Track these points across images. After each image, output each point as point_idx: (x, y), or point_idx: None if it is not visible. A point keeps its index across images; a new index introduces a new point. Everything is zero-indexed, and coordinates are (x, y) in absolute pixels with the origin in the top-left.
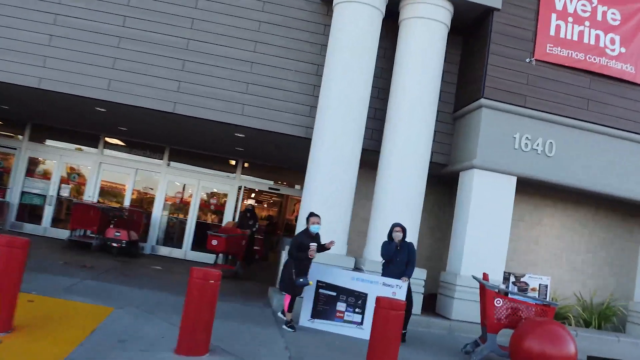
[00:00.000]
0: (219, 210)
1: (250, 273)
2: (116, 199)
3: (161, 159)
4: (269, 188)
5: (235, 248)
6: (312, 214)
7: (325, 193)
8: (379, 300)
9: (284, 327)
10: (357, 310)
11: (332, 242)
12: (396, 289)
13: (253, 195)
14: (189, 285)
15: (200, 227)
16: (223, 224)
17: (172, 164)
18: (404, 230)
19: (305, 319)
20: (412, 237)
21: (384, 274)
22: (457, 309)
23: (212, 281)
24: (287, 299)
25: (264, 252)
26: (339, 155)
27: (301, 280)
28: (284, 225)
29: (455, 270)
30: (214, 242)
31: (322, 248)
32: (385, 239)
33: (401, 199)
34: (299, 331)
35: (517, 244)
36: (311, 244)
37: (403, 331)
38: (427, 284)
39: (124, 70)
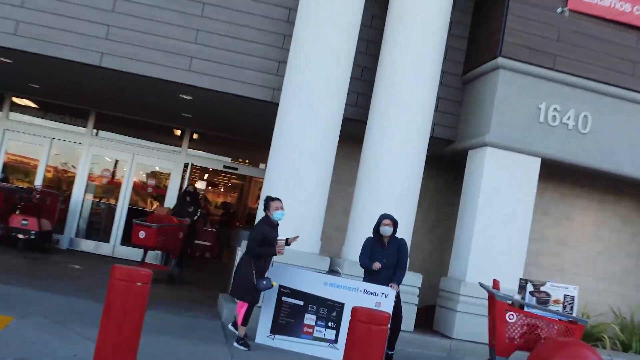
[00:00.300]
0: (160, 195)
1: (196, 276)
2: (26, 178)
3: (85, 127)
4: (225, 167)
5: (169, 242)
6: (271, 198)
7: (293, 173)
8: (355, 311)
9: (236, 344)
10: (330, 324)
11: (296, 237)
12: (381, 299)
13: (206, 176)
14: (108, 288)
15: (135, 215)
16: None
17: (100, 133)
18: (394, 223)
19: (263, 334)
20: (404, 233)
21: (366, 279)
22: (460, 325)
23: (140, 283)
24: (241, 308)
25: (218, 250)
26: (313, 125)
27: (264, 282)
28: (245, 216)
29: (460, 275)
30: (141, 234)
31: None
32: (371, 234)
33: (392, 185)
34: (254, 350)
35: (539, 244)
36: (279, 238)
37: (389, 352)
38: (422, 293)
39: (35, 10)
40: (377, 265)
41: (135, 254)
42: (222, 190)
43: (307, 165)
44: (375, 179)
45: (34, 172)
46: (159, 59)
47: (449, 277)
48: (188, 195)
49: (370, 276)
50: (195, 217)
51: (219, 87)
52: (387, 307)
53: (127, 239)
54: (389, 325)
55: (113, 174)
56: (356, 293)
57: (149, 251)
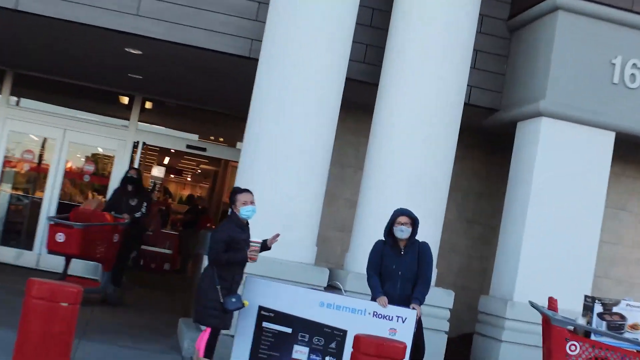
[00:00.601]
0: (102, 185)
1: (150, 295)
2: None
3: None
4: (189, 147)
5: (99, 248)
6: (239, 190)
7: (278, 156)
8: (359, 342)
9: None
10: (328, 359)
11: (275, 237)
12: (397, 324)
13: (167, 160)
14: (23, 311)
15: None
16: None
17: (20, 102)
18: (413, 222)
19: None
20: (429, 235)
21: (399, 297)
22: (507, 359)
23: (66, 304)
24: (204, 335)
25: (181, 260)
26: (305, 87)
27: (233, 300)
28: (219, 213)
29: (505, 293)
30: (59, 237)
31: (263, 247)
32: (382, 237)
33: (410, 169)
34: None
35: (612, 249)
36: (252, 240)
37: None
38: (456, 317)
39: None
40: (384, 302)
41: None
42: (188, 179)
43: (297, 144)
44: (388, 162)
45: None
46: (96, 0)
47: (491, 296)
48: (128, 183)
49: (386, 293)
50: (139, 214)
51: (178, 38)
52: (405, 335)
53: None
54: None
55: (40, 158)
56: (363, 317)
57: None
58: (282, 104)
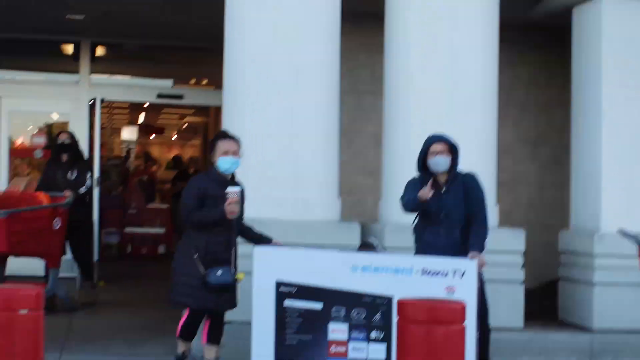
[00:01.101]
0: None
1: (140, 289)
2: None
3: None
4: (161, 96)
5: (32, 241)
6: (220, 135)
7: (270, 86)
8: (404, 307)
9: None
10: (374, 334)
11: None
12: (455, 279)
13: (142, 118)
14: None
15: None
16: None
17: None
18: (451, 149)
19: None
20: (481, 165)
21: (420, 251)
22: (603, 307)
23: (25, 311)
24: (184, 317)
25: (178, 238)
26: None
27: (219, 273)
28: None
29: (590, 224)
30: None
31: (259, 238)
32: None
33: (444, 85)
34: None
35: None
36: (228, 190)
37: None
38: (533, 262)
39: None
40: (426, 193)
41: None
42: (173, 138)
43: (295, 71)
44: (412, 81)
45: None
46: None
47: (573, 230)
48: (62, 152)
49: (428, 244)
50: (84, 189)
51: None
52: (467, 292)
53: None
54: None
55: None
56: (410, 277)
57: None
58: (263, 25)
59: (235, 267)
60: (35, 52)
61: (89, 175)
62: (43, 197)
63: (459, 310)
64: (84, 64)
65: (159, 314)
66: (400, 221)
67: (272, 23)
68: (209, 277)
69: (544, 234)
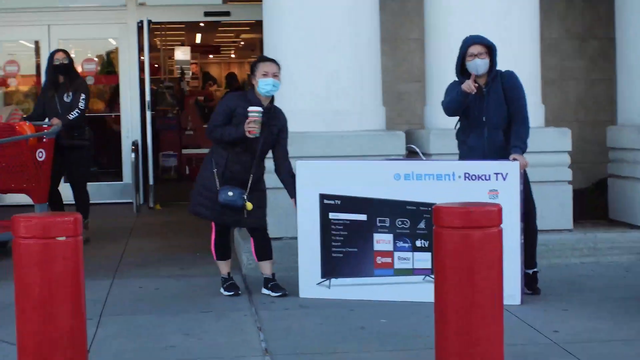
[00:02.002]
0: (112, 86)
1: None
2: None
3: None
4: (208, 14)
5: (12, 175)
6: (261, 58)
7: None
8: (439, 213)
9: (222, 290)
10: (419, 243)
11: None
12: (497, 182)
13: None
14: (14, 256)
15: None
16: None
17: None
18: (489, 49)
19: (310, 282)
20: (523, 63)
21: (464, 155)
22: None
23: (63, 237)
24: (212, 235)
25: None
26: None
27: (229, 194)
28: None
29: (637, 118)
30: None
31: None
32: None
33: None
34: (296, 308)
35: None
36: (250, 109)
37: (529, 270)
38: (584, 161)
39: None
40: (469, 85)
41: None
42: (232, 56)
43: None
44: None
45: None
46: None
47: (620, 125)
48: (58, 73)
49: (471, 148)
50: (74, 114)
51: None
52: (511, 195)
53: None
54: (511, 226)
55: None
56: (453, 182)
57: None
58: None
59: (253, 192)
60: None
61: (83, 97)
62: (25, 127)
63: (496, 213)
64: None
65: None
66: (445, 126)
67: None
68: (220, 194)
69: (595, 132)
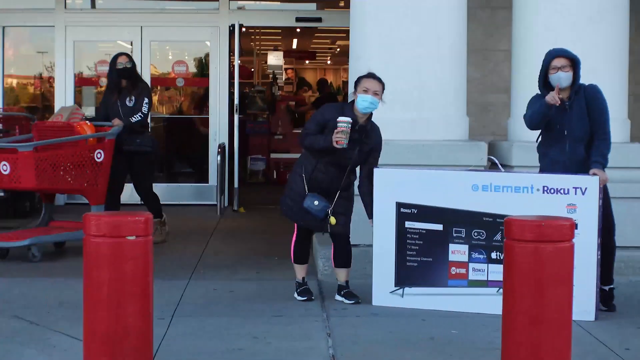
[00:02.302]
0: (203, 88)
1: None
2: None
3: None
4: (299, 19)
5: (69, 175)
6: (364, 75)
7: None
8: (510, 226)
9: (295, 295)
10: (495, 255)
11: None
12: (576, 197)
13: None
14: (84, 253)
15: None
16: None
17: (75, 2)
18: (574, 63)
19: (383, 289)
20: (609, 77)
21: (544, 169)
22: None
23: (133, 237)
24: (293, 237)
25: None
26: None
27: (315, 203)
28: None
29: None
30: (3, 169)
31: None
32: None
33: None
34: (369, 316)
35: None
36: (340, 119)
37: (605, 287)
38: None
39: None
40: (553, 97)
41: (177, 193)
42: (328, 62)
43: None
44: None
45: None
46: None
47: None
48: (121, 77)
49: (553, 161)
50: (137, 117)
51: None
52: (589, 210)
53: (160, 172)
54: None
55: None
56: (531, 195)
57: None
58: None
59: (339, 199)
60: None
61: (145, 101)
62: (85, 127)
63: (568, 227)
64: None
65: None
66: (528, 139)
67: None
68: (306, 200)
69: None
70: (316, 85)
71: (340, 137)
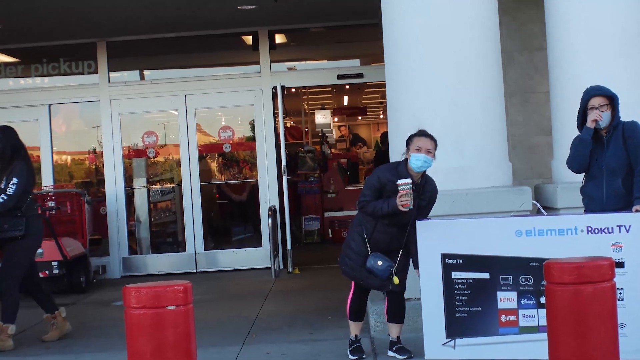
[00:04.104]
0: (249, 152)
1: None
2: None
3: (94, 72)
4: (341, 77)
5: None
6: (417, 133)
7: (424, 52)
8: (550, 269)
9: (348, 354)
10: (543, 300)
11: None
12: (621, 236)
13: (346, 100)
14: (126, 326)
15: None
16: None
17: (121, 75)
18: (611, 100)
19: (435, 342)
20: None
21: (585, 207)
22: None
23: (173, 306)
24: (350, 294)
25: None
26: None
27: (379, 263)
28: None
29: None
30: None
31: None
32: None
33: (614, 29)
34: None
35: None
36: (400, 182)
37: None
38: None
39: None
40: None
41: (231, 259)
42: (381, 117)
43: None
44: (578, 24)
45: (37, 166)
46: None
47: None
48: None
49: (590, 197)
50: (1, 200)
51: None
52: (634, 247)
53: (213, 239)
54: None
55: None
56: (575, 236)
57: None
58: None
59: (403, 265)
60: (211, 47)
61: (13, 182)
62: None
63: (607, 267)
64: (263, 52)
65: (343, 296)
66: (572, 179)
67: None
68: (369, 260)
69: None
70: (380, 138)
71: (405, 200)
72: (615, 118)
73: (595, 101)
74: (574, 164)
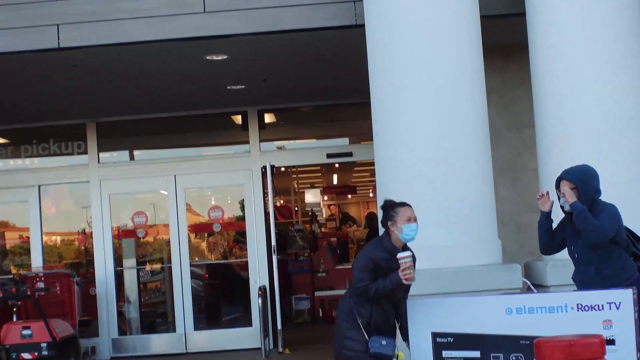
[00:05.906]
0: (240, 232)
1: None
2: (15, 260)
3: (84, 152)
4: (330, 156)
5: None
6: (398, 203)
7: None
8: (539, 348)
9: None
10: None
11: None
12: (612, 313)
13: (335, 178)
14: None
15: (213, 276)
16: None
17: (111, 155)
18: (579, 184)
19: None
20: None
21: (579, 286)
22: None
23: None
24: None
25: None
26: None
27: (383, 343)
28: None
29: None
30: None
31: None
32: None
33: (600, 107)
34: None
35: None
36: (400, 256)
37: None
38: None
39: None
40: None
41: (221, 339)
42: (370, 195)
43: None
44: (562, 107)
45: (27, 247)
46: (147, 9)
47: None
48: None
49: (574, 282)
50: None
51: (258, 27)
52: (625, 324)
53: (203, 319)
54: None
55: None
56: (565, 314)
57: None
58: (409, 70)
59: (403, 338)
60: (199, 126)
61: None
62: None
63: (597, 345)
64: (253, 131)
65: None
66: (562, 257)
67: (413, 74)
68: (371, 345)
69: None
70: (365, 221)
71: (409, 273)
72: (583, 203)
73: (561, 186)
74: (540, 247)
